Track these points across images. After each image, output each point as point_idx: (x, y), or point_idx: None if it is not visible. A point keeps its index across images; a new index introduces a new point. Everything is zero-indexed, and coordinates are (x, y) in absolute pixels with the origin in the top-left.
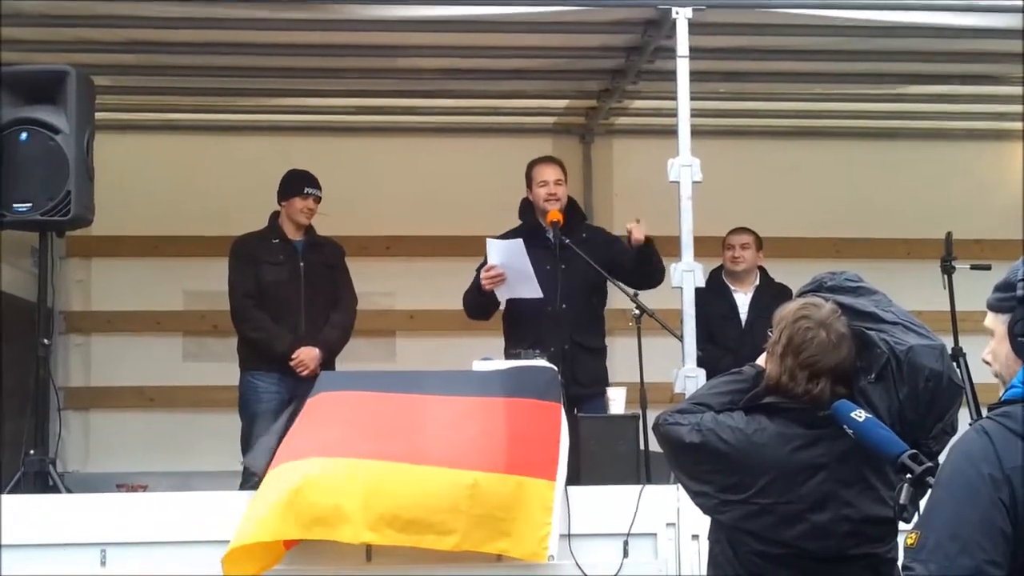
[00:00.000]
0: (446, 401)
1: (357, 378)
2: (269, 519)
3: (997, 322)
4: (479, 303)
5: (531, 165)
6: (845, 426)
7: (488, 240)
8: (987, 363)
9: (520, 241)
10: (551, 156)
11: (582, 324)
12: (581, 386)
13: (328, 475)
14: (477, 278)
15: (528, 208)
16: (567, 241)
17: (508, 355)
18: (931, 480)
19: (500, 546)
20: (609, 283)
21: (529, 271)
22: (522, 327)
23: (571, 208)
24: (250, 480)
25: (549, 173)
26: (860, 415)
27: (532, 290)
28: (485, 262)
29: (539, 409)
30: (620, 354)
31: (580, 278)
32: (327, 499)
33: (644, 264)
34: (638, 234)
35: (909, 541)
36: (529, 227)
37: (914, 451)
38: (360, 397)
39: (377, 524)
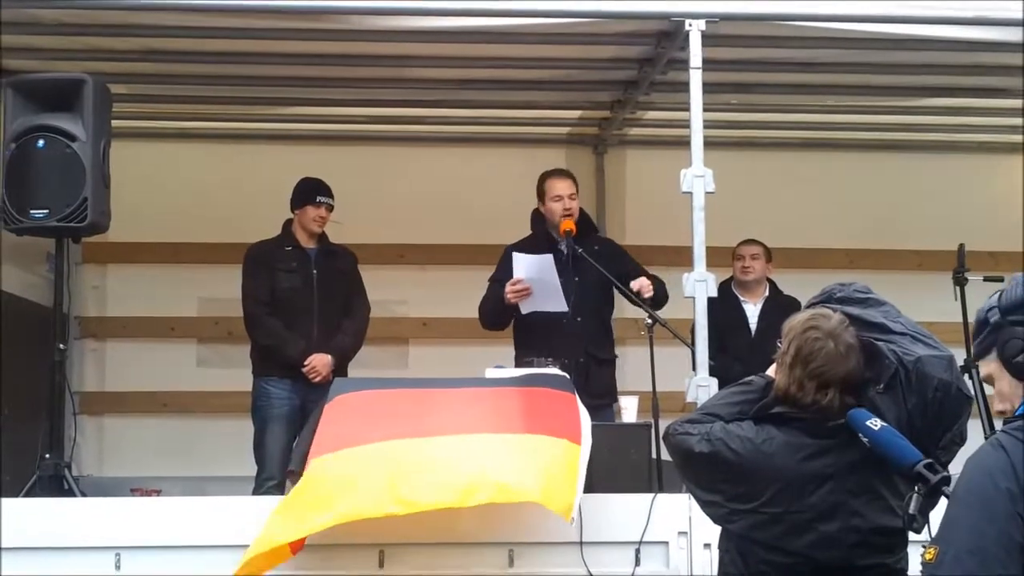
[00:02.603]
0: (460, 392)
1: (371, 382)
2: (289, 517)
3: (989, 365)
4: (499, 315)
5: (543, 178)
6: (860, 434)
7: (515, 254)
8: (1000, 412)
9: (550, 257)
10: (563, 169)
11: (596, 336)
12: (592, 397)
13: (341, 463)
14: (492, 289)
15: (539, 219)
16: (581, 252)
17: (521, 363)
18: (946, 490)
19: (531, 495)
20: (617, 293)
21: (556, 285)
22: (536, 338)
23: (582, 220)
24: (264, 486)
25: (563, 187)
26: (876, 424)
27: (558, 304)
28: (498, 272)
29: (555, 396)
30: (632, 363)
31: (593, 289)
32: (341, 483)
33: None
34: (647, 292)
35: (927, 556)
36: (540, 238)
37: (930, 460)
38: (374, 394)
39: (400, 496)
